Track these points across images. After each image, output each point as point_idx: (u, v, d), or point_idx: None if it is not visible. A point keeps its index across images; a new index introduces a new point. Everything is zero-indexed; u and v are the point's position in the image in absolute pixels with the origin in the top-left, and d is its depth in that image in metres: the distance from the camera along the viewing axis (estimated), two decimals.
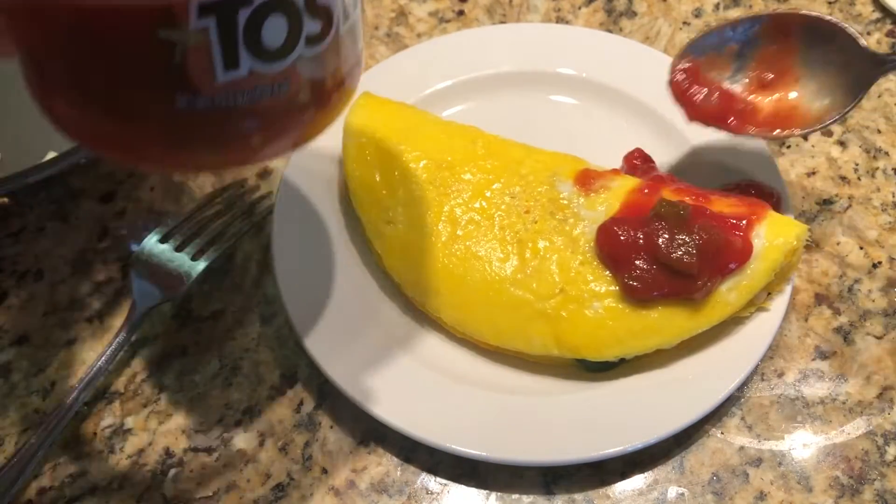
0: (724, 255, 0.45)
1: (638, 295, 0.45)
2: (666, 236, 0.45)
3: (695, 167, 0.54)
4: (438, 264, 0.49)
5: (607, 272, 0.46)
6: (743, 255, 0.45)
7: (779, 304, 0.48)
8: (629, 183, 0.49)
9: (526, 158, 0.52)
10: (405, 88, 0.58)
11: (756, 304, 0.47)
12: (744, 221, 0.46)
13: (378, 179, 0.51)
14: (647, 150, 0.54)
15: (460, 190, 0.50)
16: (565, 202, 0.49)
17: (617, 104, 0.58)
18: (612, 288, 0.46)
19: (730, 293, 0.45)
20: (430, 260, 0.49)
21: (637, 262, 0.45)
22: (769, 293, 0.48)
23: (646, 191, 0.48)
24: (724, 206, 0.47)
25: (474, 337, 0.48)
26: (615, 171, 0.51)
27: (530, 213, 0.49)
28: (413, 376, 0.47)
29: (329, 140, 0.56)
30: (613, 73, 0.59)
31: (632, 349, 0.46)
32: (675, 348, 0.46)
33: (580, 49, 0.60)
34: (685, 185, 0.49)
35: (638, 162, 0.53)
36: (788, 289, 0.48)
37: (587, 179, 0.49)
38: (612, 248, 0.46)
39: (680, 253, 0.44)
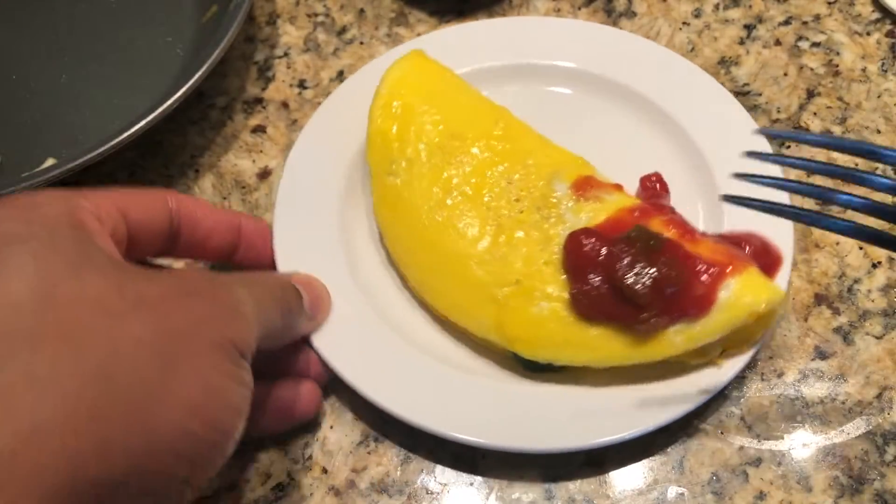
0: (681, 297, 0.43)
1: (581, 309, 0.45)
2: (627, 260, 0.44)
3: (712, 196, 0.52)
4: (420, 225, 0.50)
5: (565, 278, 0.46)
6: (701, 303, 0.43)
7: (736, 363, 0.46)
8: (625, 201, 0.49)
9: (538, 150, 0.52)
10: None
11: (707, 356, 0.45)
12: (715, 269, 0.44)
13: (394, 132, 0.52)
14: (669, 172, 0.53)
15: (464, 162, 0.51)
16: (555, 201, 0.49)
17: (646, 115, 0.57)
18: (565, 294, 0.46)
19: (676, 335, 0.44)
20: (414, 220, 0.50)
21: (591, 276, 0.44)
22: (724, 350, 0.46)
23: (637, 213, 0.47)
24: (706, 249, 0.45)
25: (429, 303, 0.49)
26: (617, 186, 0.50)
27: (520, 201, 0.49)
28: (401, 356, 0.47)
29: (332, 129, 0.56)
30: (649, 83, 0.58)
31: (562, 358, 0.46)
32: (620, 371, 0.46)
33: (620, 51, 0.59)
34: (680, 220, 0.48)
35: (653, 186, 0.52)
36: (750, 353, 0.46)
37: (585, 186, 0.49)
38: (573, 255, 0.45)
39: (633, 280, 0.43)
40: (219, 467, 0.36)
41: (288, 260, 0.50)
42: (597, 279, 0.44)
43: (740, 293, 0.43)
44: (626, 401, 0.45)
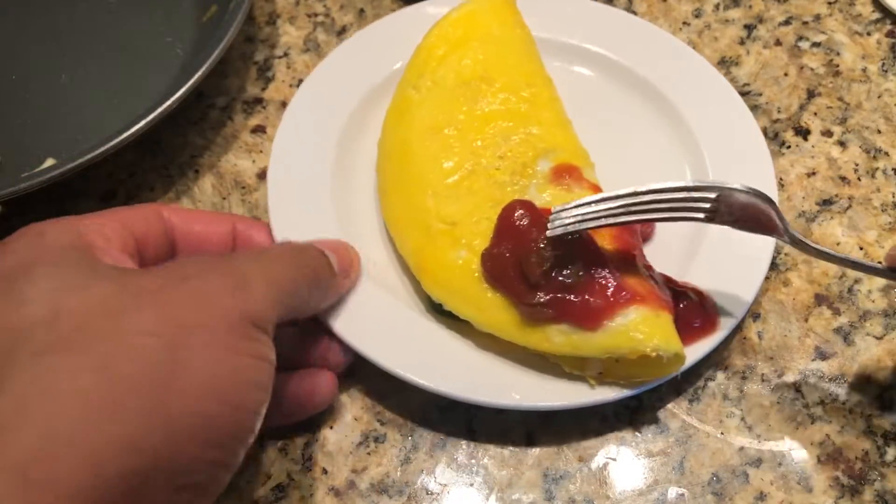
0: (575, 301, 0.43)
1: (485, 269, 0.46)
2: (542, 245, 0.44)
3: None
4: (410, 139, 0.52)
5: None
6: (592, 316, 0.43)
7: (608, 391, 0.45)
8: None
9: (549, 125, 0.52)
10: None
11: (583, 370, 0.45)
12: (625, 294, 0.43)
13: (439, 53, 0.54)
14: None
15: (478, 106, 0.52)
16: (530, 173, 0.49)
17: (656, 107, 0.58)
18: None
19: (557, 334, 0.44)
20: (409, 132, 0.52)
21: (503, 244, 0.45)
22: (602, 373, 0.45)
23: None
24: (633, 278, 0.45)
25: (382, 208, 0.52)
26: (596, 188, 0.50)
27: (503, 159, 0.50)
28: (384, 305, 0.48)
29: (335, 83, 0.56)
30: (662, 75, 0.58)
31: (452, 304, 0.47)
32: (501, 344, 0.46)
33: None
34: (631, 244, 0.47)
35: None
36: (628, 391, 0.45)
37: (564, 173, 0.49)
38: (503, 219, 0.46)
39: (535, 258, 0.43)
40: (249, 445, 0.36)
41: (280, 204, 0.51)
42: (508, 247, 0.45)
43: (635, 327, 0.43)
44: (490, 370, 0.46)
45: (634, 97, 0.59)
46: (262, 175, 0.58)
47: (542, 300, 0.43)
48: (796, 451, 0.46)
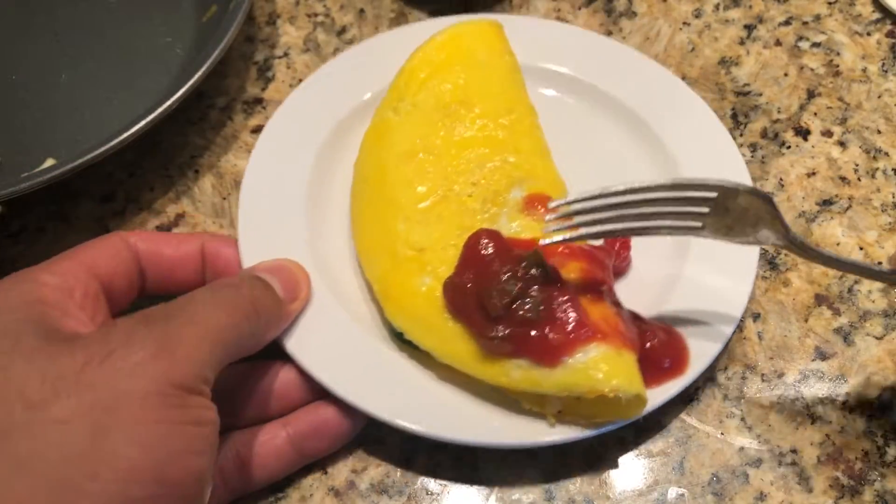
0: (534, 336, 0.42)
1: (446, 298, 0.45)
2: (507, 276, 0.43)
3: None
4: (385, 162, 0.51)
5: None
6: (551, 352, 0.42)
7: (568, 431, 0.44)
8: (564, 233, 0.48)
9: (526, 154, 0.51)
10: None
11: (542, 407, 0.44)
12: (585, 331, 0.42)
13: (420, 77, 0.54)
14: None
15: (456, 131, 0.52)
16: (502, 202, 0.49)
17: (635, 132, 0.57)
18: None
19: (515, 369, 0.43)
20: (385, 154, 0.51)
21: (466, 273, 0.44)
22: (562, 411, 0.44)
23: (563, 249, 0.46)
24: (598, 313, 0.43)
25: (353, 231, 0.52)
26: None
27: (476, 186, 0.49)
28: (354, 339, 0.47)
29: (307, 111, 0.56)
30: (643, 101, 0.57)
31: (413, 334, 0.46)
32: (462, 376, 0.45)
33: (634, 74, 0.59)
34: (600, 279, 0.46)
35: (612, 243, 0.50)
36: (586, 431, 0.44)
37: (537, 202, 0.48)
38: (467, 248, 0.45)
39: (494, 290, 0.42)
40: None
41: (250, 222, 0.50)
42: (471, 277, 0.44)
43: (595, 365, 0.41)
44: (449, 403, 0.45)
45: (619, 127, 0.57)
46: None
47: (501, 334, 0.42)
48: (796, 452, 0.46)
